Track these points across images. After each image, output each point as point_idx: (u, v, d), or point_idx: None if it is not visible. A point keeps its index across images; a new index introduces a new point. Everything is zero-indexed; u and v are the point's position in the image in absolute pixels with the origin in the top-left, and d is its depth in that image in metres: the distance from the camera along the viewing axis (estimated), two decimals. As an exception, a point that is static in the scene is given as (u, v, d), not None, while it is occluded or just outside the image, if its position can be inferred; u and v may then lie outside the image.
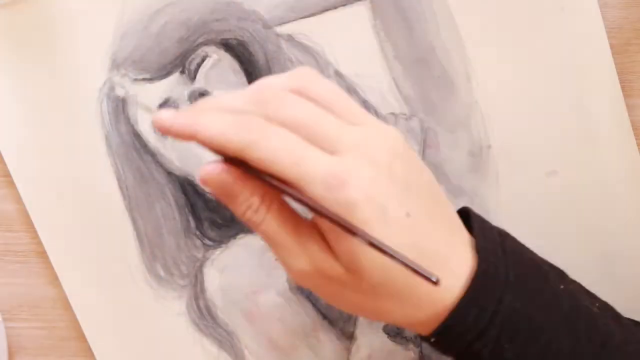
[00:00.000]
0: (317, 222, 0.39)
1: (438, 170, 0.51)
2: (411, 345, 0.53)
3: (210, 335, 0.54)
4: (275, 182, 0.37)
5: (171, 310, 0.54)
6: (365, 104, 0.50)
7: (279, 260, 0.40)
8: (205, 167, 0.38)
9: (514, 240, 0.43)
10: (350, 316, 0.53)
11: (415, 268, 0.35)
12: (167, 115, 0.37)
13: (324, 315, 0.53)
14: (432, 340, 0.40)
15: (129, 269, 0.53)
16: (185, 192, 0.52)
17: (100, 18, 0.51)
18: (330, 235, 0.38)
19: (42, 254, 0.54)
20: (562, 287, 0.42)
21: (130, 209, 0.52)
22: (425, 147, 0.51)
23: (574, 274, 0.51)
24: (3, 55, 0.51)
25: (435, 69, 0.50)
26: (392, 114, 0.50)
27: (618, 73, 0.48)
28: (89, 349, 0.54)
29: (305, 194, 0.36)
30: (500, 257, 0.40)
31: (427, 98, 0.50)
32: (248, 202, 0.38)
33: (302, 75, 0.39)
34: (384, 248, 0.35)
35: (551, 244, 0.51)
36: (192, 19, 0.50)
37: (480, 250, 0.40)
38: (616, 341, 0.41)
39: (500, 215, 0.50)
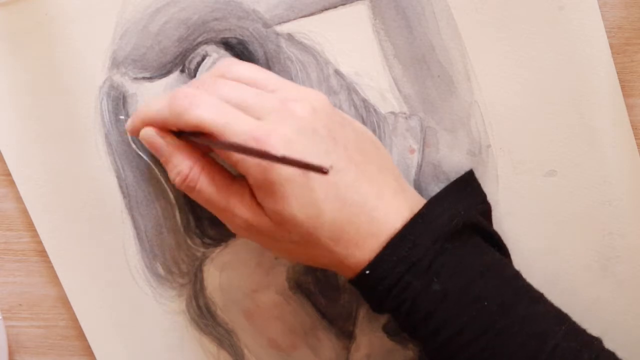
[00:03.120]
0: (247, 181, 0.43)
1: (437, 169, 0.51)
2: (410, 345, 0.53)
3: (210, 334, 0.54)
4: (206, 141, 0.43)
5: (171, 308, 0.54)
6: (365, 103, 0.50)
7: (219, 217, 0.45)
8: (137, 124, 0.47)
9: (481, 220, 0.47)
10: (350, 315, 0.53)
11: (305, 163, 0.38)
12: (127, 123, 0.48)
13: (324, 314, 0.53)
14: (366, 272, 0.43)
15: (129, 267, 0.53)
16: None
17: (100, 17, 0.51)
18: (258, 193, 0.42)
19: (42, 253, 0.54)
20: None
21: (130, 207, 0.53)
22: (424, 146, 0.51)
23: (574, 273, 0.51)
24: (2, 54, 0.51)
25: (435, 69, 0.49)
26: (392, 113, 0.50)
27: (618, 73, 0.48)
28: (89, 347, 0.54)
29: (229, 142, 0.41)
30: (450, 212, 0.44)
31: (427, 97, 0.50)
32: (178, 167, 0.44)
33: (222, 65, 0.46)
34: (283, 156, 0.39)
35: (551, 244, 0.51)
36: (191, 18, 0.50)
37: (429, 203, 0.44)
38: (539, 293, 0.45)
39: (500, 215, 0.50)
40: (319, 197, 0.41)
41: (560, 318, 0.44)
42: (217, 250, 0.53)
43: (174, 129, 0.44)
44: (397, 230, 0.43)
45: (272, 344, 0.54)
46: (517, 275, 0.45)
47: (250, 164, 0.41)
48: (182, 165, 0.44)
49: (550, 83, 0.49)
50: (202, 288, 0.53)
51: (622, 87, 0.48)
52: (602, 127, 0.49)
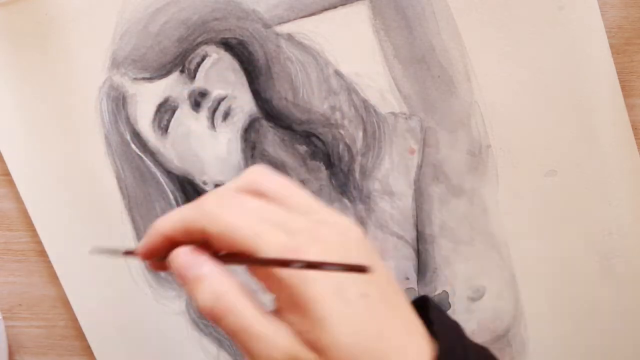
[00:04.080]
0: (283, 312, 0.38)
1: (438, 170, 0.51)
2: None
3: (210, 335, 0.54)
4: (233, 258, 0.38)
5: (171, 309, 0.54)
6: (365, 103, 0.50)
7: (248, 352, 0.38)
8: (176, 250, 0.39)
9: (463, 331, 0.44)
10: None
11: (346, 265, 0.35)
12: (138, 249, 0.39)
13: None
14: None
15: (129, 268, 0.53)
16: (184, 191, 0.52)
17: (101, 17, 0.51)
18: (290, 314, 0.37)
19: (42, 253, 0.54)
20: None
21: (130, 208, 0.53)
22: (424, 146, 0.51)
23: (574, 273, 0.51)
24: (3, 54, 0.51)
25: (435, 69, 0.49)
26: (392, 113, 0.50)
27: (618, 73, 0.48)
28: (89, 347, 0.54)
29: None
30: (459, 343, 0.41)
31: (427, 97, 0.50)
32: (213, 286, 0.37)
33: (251, 175, 0.40)
34: (316, 262, 0.35)
35: (551, 244, 0.51)
36: (191, 18, 0.50)
37: (441, 336, 0.40)
38: None
39: (500, 215, 0.50)
40: (357, 323, 0.37)
41: None
42: (217, 250, 0.53)
43: (198, 238, 0.39)
44: None
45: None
46: None
47: (285, 283, 0.36)
48: (219, 286, 0.38)
49: (550, 83, 0.49)
50: (202, 288, 0.53)
51: (622, 87, 0.48)
52: (602, 127, 0.49)
